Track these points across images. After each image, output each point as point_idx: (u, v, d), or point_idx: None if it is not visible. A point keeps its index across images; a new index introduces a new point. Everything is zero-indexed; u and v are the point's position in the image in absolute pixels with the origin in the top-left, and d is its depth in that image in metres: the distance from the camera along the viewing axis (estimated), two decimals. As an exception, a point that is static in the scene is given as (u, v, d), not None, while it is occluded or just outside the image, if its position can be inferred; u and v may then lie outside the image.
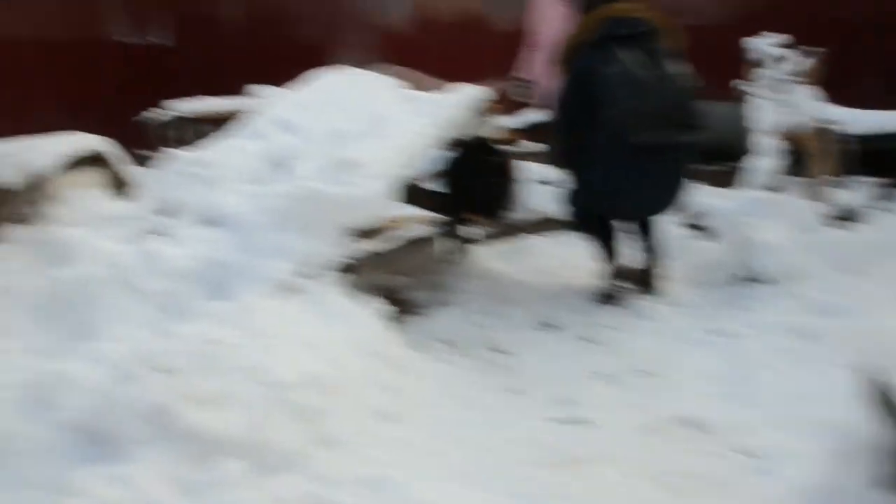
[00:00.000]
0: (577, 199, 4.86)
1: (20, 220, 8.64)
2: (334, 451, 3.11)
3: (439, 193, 5.08)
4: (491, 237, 5.50)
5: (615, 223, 4.91)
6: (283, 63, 11.19)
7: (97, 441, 3.07)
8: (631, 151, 4.21)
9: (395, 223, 4.41)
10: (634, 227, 4.95)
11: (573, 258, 5.58)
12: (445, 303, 4.92)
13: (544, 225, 5.67)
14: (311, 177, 4.29)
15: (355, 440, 3.22)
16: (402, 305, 4.46)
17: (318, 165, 4.38)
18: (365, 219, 4.16)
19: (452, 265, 5.24)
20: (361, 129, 4.67)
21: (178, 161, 4.99)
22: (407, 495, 2.85)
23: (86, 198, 8.92)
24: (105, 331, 3.79)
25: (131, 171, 9.94)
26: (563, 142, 4.86)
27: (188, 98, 11.07)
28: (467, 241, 5.37)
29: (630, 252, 5.05)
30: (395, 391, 3.67)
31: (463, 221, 5.16)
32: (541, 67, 5.10)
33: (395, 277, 4.60)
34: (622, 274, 4.99)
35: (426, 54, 7.64)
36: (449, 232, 5.08)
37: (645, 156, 4.21)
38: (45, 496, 2.86)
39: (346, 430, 3.24)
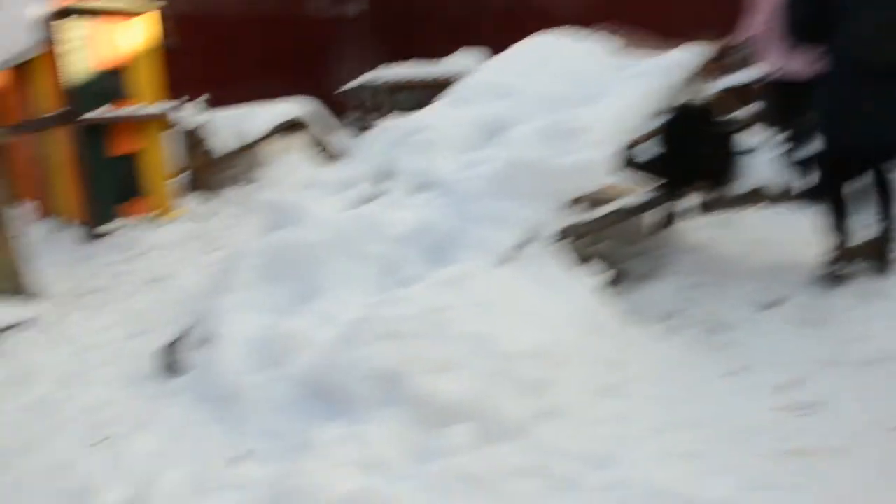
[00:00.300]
0: (807, 155, 4.44)
1: (237, 181, 9.27)
2: (557, 423, 3.06)
3: (654, 161, 4.84)
4: (706, 207, 5.20)
5: (847, 189, 4.44)
6: (484, 29, 11.23)
7: (328, 399, 3.20)
8: (871, 76, 3.68)
9: (610, 192, 4.25)
10: (870, 194, 4.47)
11: (795, 231, 5.17)
12: (659, 275, 4.71)
13: (763, 195, 5.28)
14: (527, 144, 4.23)
15: (577, 413, 3.15)
16: (617, 276, 4.31)
17: (534, 132, 4.31)
18: (583, 187, 4.04)
19: (666, 236, 5.02)
20: (577, 94, 4.55)
21: (391, 127, 5.08)
22: (631, 474, 2.74)
23: (292, 162, 9.43)
24: (329, 292, 3.95)
25: (335, 136, 10.38)
26: (785, 87, 4.43)
27: (387, 65, 11.37)
28: (682, 211, 5.12)
29: (862, 227, 4.58)
30: (614, 365, 3.55)
31: (678, 190, 4.90)
32: (762, 23, 4.73)
33: (609, 247, 4.47)
34: (853, 250, 4.53)
35: (639, 16, 7.31)
36: (663, 201, 4.85)
37: (889, 81, 3.65)
38: (287, 447, 3.02)
39: (569, 402, 3.17)
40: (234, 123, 9.65)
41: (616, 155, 4.15)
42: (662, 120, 4.83)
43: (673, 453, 2.93)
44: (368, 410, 2.96)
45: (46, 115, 8.02)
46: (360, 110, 12.17)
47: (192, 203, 9.42)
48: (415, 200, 4.34)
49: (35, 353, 4.89)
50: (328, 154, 10.34)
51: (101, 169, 8.25)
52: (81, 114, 7.65)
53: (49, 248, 7.90)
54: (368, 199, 4.49)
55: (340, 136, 10.64)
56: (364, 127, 11.94)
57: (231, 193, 9.61)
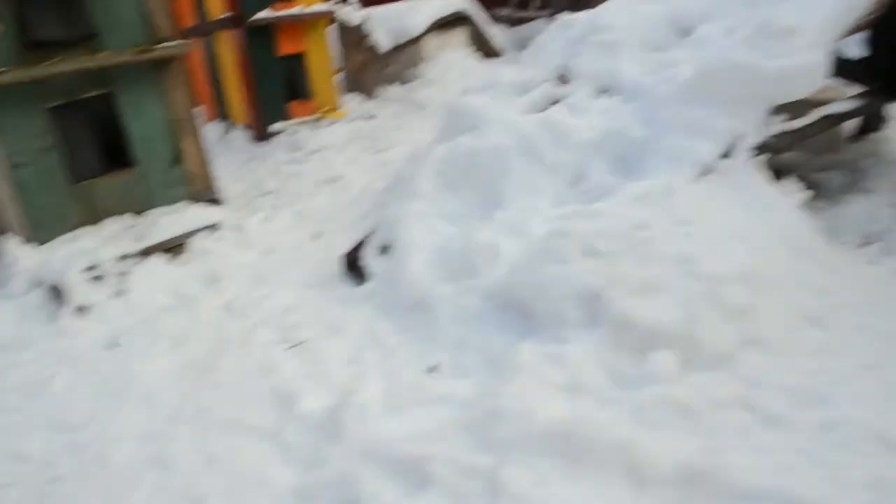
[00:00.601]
0: None
1: (397, 79, 9.19)
2: (762, 353, 2.85)
3: (865, 62, 4.33)
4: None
5: None
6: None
7: (522, 315, 3.12)
8: None
9: (819, 98, 3.84)
10: None
11: None
12: (866, 189, 4.26)
13: None
14: (726, 45, 3.85)
15: (783, 343, 2.92)
16: (820, 190, 3.95)
17: (733, 32, 3.92)
18: (791, 94, 3.63)
19: (866, 145, 4.53)
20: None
21: (569, 25, 4.79)
22: (845, 415, 2.52)
23: (452, 58, 9.22)
24: (514, 201, 3.81)
25: (494, 31, 10.05)
26: None
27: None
28: (887, 117, 4.59)
29: None
30: (820, 291, 3.26)
31: (890, 95, 4.38)
32: None
33: (805, 158, 4.08)
34: None
35: None
36: (873, 108, 4.36)
37: None
38: (481, 362, 2.99)
39: (774, 331, 2.94)
40: (393, 20, 9.51)
41: (828, 57, 3.70)
42: (875, 15, 4.29)
43: (889, 394, 2.66)
44: (567, 330, 2.84)
45: (215, 19, 8.18)
46: (513, 4, 11.76)
47: (354, 102, 9.46)
48: (598, 105, 4.09)
49: (223, 255, 5.11)
50: (488, 49, 10.08)
51: (268, 70, 8.38)
52: (248, 16, 7.75)
53: (221, 149, 8.20)
54: (549, 103, 4.28)
55: (498, 31, 10.31)
56: (517, 21, 11.55)
57: (391, 91, 9.56)
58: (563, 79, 4.39)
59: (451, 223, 3.84)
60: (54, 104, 4.97)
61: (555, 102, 4.28)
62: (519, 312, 3.10)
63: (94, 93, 5.12)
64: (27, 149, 4.88)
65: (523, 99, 4.37)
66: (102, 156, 5.28)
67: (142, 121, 5.33)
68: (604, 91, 4.17)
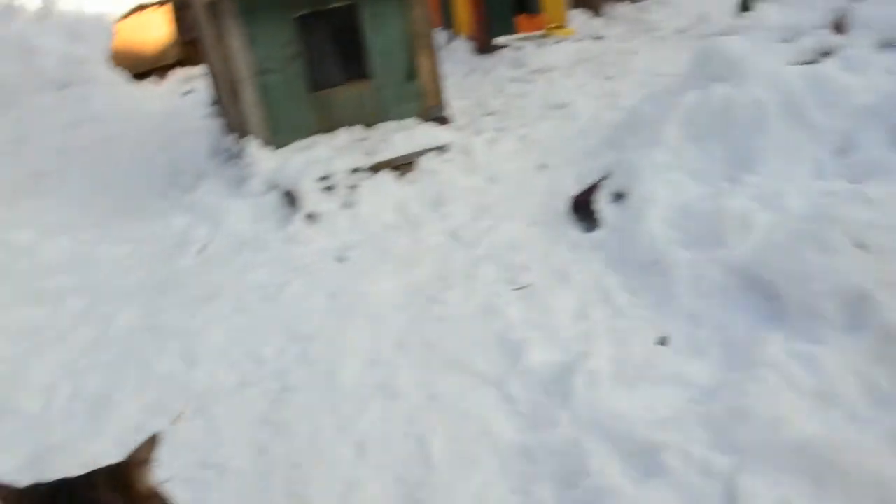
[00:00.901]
0: None
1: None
2: None
3: None
4: None
5: None
6: None
7: (771, 300, 2.86)
8: None
9: None
10: None
11: None
12: None
13: None
14: None
15: None
16: None
17: None
18: None
19: None
20: None
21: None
22: None
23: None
24: (768, 164, 3.48)
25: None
26: None
27: None
28: None
29: None
30: None
31: None
32: None
33: None
34: None
35: None
36: None
37: None
38: (718, 342, 2.81)
39: None
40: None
41: None
42: None
43: None
44: (822, 329, 2.57)
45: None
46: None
47: (580, 19, 9.05)
48: (882, 61, 3.61)
49: (449, 177, 5.13)
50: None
51: (498, -20, 8.19)
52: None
53: (443, 59, 8.15)
54: (820, 54, 3.85)
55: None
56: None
57: (620, 10, 9.05)
58: (839, 26, 3.92)
59: (696, 180, 3.57)
60: (301, 13, 5.12)
61: (826, 54, 3.84)
62: (765, 296, 2.84)
63: (338, 4, 5.21)
64: (275, 56, 5.10)
65: (789, 47, 3.95)
66: (341, 66, 5.42)
67: (382, 34, 5.40)
68: (889, 44, 3.69)
